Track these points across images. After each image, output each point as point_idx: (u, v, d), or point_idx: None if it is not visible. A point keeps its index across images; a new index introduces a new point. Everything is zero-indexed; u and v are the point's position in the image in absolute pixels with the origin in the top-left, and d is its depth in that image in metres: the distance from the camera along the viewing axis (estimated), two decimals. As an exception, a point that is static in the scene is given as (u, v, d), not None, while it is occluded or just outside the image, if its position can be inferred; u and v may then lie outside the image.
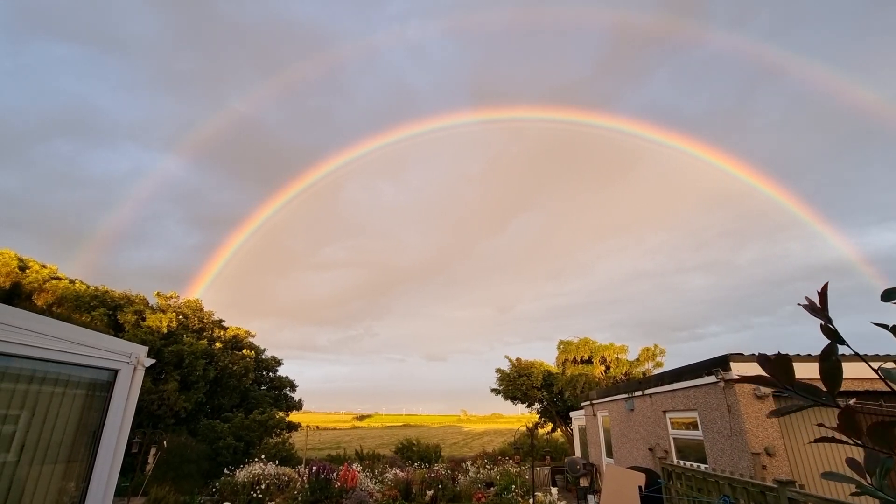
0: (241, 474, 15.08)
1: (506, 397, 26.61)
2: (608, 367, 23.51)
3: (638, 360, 23.46)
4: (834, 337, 1.15)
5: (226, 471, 16.12)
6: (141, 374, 4.45)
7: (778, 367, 1.13)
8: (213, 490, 14.68)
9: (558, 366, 25.36)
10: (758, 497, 5.05)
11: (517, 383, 25.67)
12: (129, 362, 4.29)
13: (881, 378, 1.15)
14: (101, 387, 4.04)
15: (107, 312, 19.75)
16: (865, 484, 1.18)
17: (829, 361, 1.10)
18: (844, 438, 1.07)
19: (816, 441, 1.26)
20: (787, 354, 1.12)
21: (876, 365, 1.17)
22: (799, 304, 1.26)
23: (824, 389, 1.10)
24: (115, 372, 4.15)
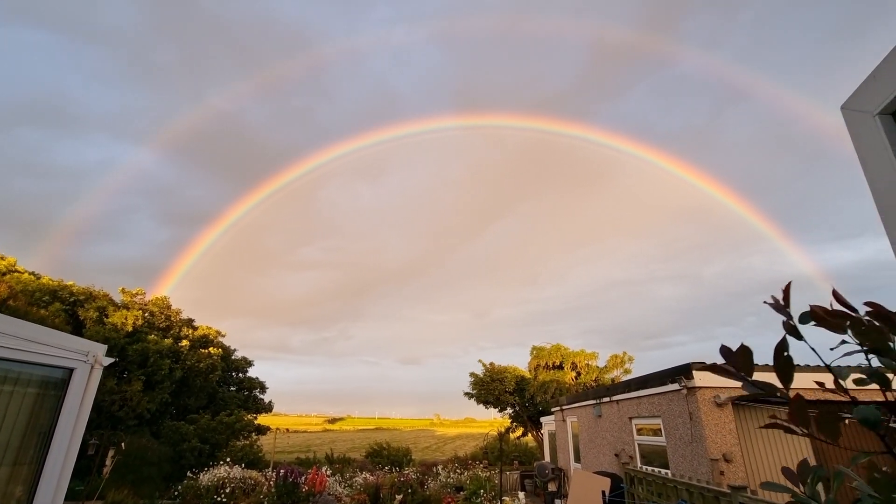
0: (206, 477, 14.67)
1: (478, 401, 26.73)
2: (579, 374, 23.91)
3: (607, 366, 23.95)
4: (794, 333, 1.17)
5: (189, 474, 15.66)
6: (98, 373, 4.31)
7: (740, 357, 1.15)
8: (176, 493, 14.24)
9: (530, 371, 25.64)
10: (712, 501, 5.24)
11: (490, 388, 25.82)
12: (86, 361, 4.16)
13: (834, 376, 1.18)
14: (55, 386, 3.90)
15: (64, 308, 18.92)
16: (798, 493, 1.26)
17: (783, 357, 1.13)
18: (793, 427, 1.10)
19: (765, 427, 1.33)
20: (748, 347, 1.15)
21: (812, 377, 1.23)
22: (765, 302, 1.30)
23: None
24: (71, 371, 4.01)
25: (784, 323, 1.26)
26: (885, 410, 1.19)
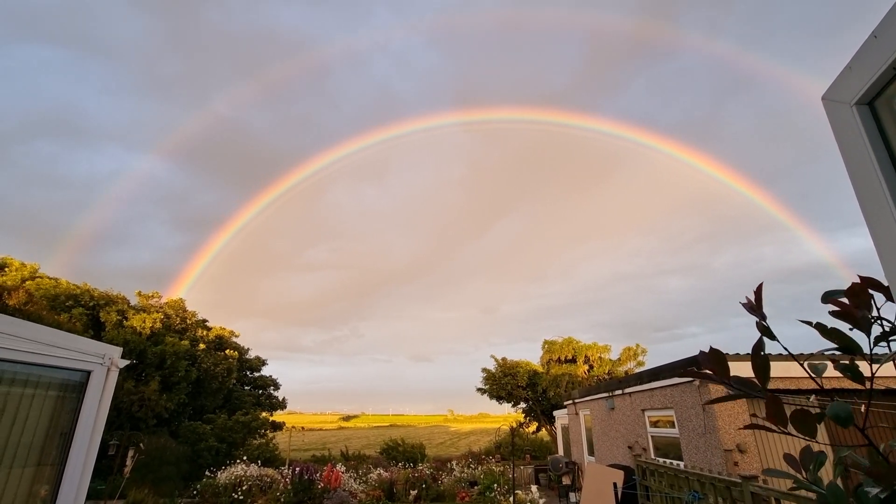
0: (223, 476, 14.95)
1: (491, 396, 26.76)
2: (591, 367, 23.81)
3: (620, 359, 23.81)
4: (766, 333, 1.24)
5: (207, 472, 15.98)
6: (115, 375, 4.42)
7: (712, 361, 1.21)
8: (194, 492, 14.53)
9: (543, 365, 25.59)
10: (724, 492, 5.22)
11: (502, 383, 25.83)
12: (103, 363, 4.27)
13: (807, 372, 1.25)
14: (74, 388, 4.02)
15: (86, 312, 19.39)
16: (801, 479, 1.28)
17: (759, 357, 1.18)
18: (770, 426, 1.14)
19: (746, 428, 1.37)
20: (719, 350, 1.21)
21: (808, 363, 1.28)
22: (740, 303, 1.36)
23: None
24: (88, 373, 4.13)
25: (757, 324, 1.30)
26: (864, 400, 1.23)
